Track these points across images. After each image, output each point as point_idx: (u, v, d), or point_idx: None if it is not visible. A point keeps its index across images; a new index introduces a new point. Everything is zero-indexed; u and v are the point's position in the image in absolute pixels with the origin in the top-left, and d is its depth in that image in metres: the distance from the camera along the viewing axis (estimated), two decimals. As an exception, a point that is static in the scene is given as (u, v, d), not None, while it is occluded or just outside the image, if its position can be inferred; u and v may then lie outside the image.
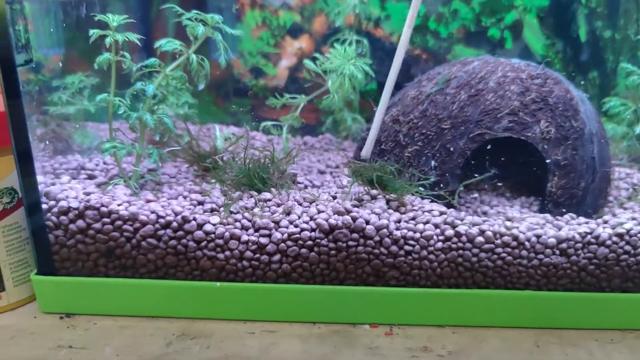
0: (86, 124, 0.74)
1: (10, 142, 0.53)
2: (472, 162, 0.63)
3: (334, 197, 0.61)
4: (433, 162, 0.61)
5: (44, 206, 0.56)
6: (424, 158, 0.64)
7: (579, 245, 0.57)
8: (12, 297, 0.59)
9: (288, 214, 0.57)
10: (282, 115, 0.78)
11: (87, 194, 0.57)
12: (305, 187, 0.66)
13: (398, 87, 0.76)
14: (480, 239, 0.56)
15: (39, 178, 0.56)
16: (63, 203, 0.55)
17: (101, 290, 0.57)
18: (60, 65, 0.70)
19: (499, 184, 0.69)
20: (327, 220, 0.55)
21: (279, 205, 0.59)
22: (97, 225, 0.55)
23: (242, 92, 0.88)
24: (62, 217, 0.55)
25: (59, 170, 0.64)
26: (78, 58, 0.73)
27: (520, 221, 0.59)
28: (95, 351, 0.52)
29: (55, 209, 0.55)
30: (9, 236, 0.57)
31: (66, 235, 0.56)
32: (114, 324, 0.57)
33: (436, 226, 0.57)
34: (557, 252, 0.57)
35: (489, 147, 0.62)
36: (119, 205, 0.56)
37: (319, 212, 0.57)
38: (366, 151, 0.64)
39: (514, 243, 0.56)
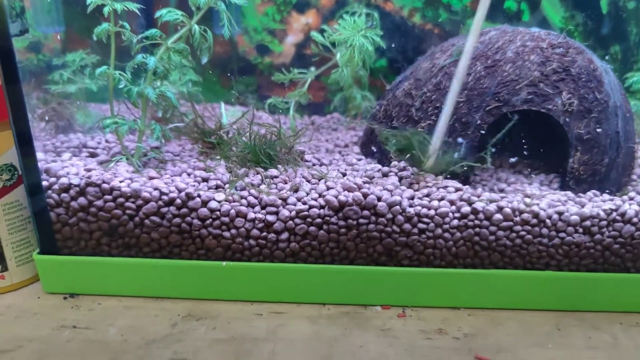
0: (88, 104, 0.72)
1: (7, 116, 0.51)
2: (489, 136, 0.59)
3: (344, 174, 0.59)
4: (460, 140, 0.58)
5: (45, 183, 0.54)
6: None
7: (604, 223, 0.54)
8: (15, 277, 0.57)
9: (296, 190, 0.55)
10: (288, 92, 0.75)
11: (88, 170, 0.55)
12: (313, 165, 0.64)
13: (410, 61, 0.73)
14: (498, 216, 0.53)
15: (39, 155, 0.54)
16: (64, 180, 0.54)
17: (105, 270, 0.56)
18: (59, 39, 0.68)
19: (516, 160, 0.66)
20: (336, 197, 0.53)
21: (286, 182, 0.57)
22: (99, 203, 0.54)
23: (246, 70, 0.85)
24: (64, 195, 0.54)
25: (60, 149, 0.62)
26: (78, 36, 0.70)
27: (540, 198, 0.56)
28: (99, 331, 0.51)
29: (56, 186, 0.54)
30: (10, 214, 0.56)
31: (68, 213, 0.54)
32: (118, 304, 0.56)
33: (452, 203, 0.54)
34: (580, 230, 0.54)
35: (506, 120, 0.59)
36: (120, 182, 0.54)
37: (328, 188, 0.55)
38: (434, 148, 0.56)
39: (534, 221, 0.53)
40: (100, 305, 0.55)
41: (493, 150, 0.57)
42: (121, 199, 0.53)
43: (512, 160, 0.66)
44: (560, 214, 0.54)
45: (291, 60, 0.83)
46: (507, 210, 0.53)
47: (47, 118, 0.65)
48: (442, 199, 0.54)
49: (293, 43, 0.83)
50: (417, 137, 0.55)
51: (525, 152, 0.65)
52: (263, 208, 0.54)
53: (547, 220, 0.54)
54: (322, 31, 0.71)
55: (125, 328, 0.52)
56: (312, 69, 0.74)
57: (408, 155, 0.56)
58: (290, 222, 0.54)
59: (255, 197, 0.54)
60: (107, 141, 0.65)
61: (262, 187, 0.55)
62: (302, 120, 0.83)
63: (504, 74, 0.59)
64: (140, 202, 0.53)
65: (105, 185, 0.53)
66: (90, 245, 0.56)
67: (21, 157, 0.53)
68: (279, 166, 0.59)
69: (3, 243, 0.56)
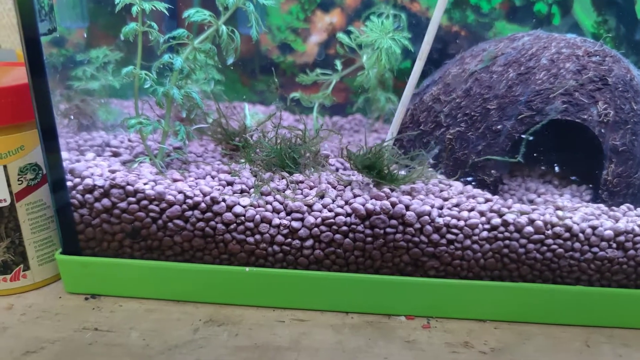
0: (110, 100, 0.72)
1: (33, 116, 0.51)
2: (520, 145, 0.58)
3: (370, 181, 0.57)
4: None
5: (69, 184, 0.54)
6: (467, 140, 0.59)
7: (638, 238, 0.52)
8: (37, 276, 0.57)
9: (322, 197, 0.54)
10: (311, 94, 0.74)
11: (113, 171, 0.54)
12: (337, 169, 0.63)
13: (437, 64, 0.71)
14: (529, 228, 0.52)
15: (64, 154, 0.54)
16: (88, 181, 0.53)
17: (127, 272, 0.55)
18: (85, 35, 0.67)
19: (547, 170, 0.64)
20: (363, 205, 0.52)
21: (311, 188, 0.56)
22: (123, 205, 0.53)
23: (268, 69, 0.83)
24: (87, 196, 0.53)
25: (84, 147, 0.62)
26: (103, 32, 0.70)
27: (572, 211, 0.54)
28: (121, 335, 0.51)
29: (80, 187, 0.53)
30: (33, 214, 0.55)
31: (91, 214, 0.54)
32: (140, 306, 0.55)
33: (482, 214, 0.52)
34: (614, 245, 0.52)
35: (539, 130, 0.57)
36: (145, 184, 0.53)
37: (355, 196, 0.53)
38: (391, 133, 0.59)
39: (567, 234, 0.52)
40: (122, 307, 0.55)
41: (520, 159, 0.55)
42: (145, 202, 0.53)
43: (546, 169, 0.64)
44: (594, 228, 0.52)
45: (314, 60, 0.81)
46: (539, 223, 0.52)
47: (71, 116, 0.64)
48: (472, 209, 0.53)
49: (317, 42, 0.81)
50: (380, 154, 0.54)
51: (555, 162, 0.63)
52: (288, 214, 0.53)
53: (580, 235, 0.52)
54: (348, 32, 0.70)
55: (147, 332, 0.51)
56: (339, 68, 0.72)
57: (375, 172, 0.54)
58: (316, 229, 0.53)
59: (281, 203, 0.53)
60: (129, 140, 0.65)
61: (288, 192, 0.54)
62: (325, 121, 0.81)
63: (538, 81, 0.58)
64: (164, 205, 0.53)
65: (129, 187, 0.53)
66: (112, 247, 0.55)
67: (45, 153, 0.52)
68: (304, 171, 0.58)
69: (26, 242, 0.56)
